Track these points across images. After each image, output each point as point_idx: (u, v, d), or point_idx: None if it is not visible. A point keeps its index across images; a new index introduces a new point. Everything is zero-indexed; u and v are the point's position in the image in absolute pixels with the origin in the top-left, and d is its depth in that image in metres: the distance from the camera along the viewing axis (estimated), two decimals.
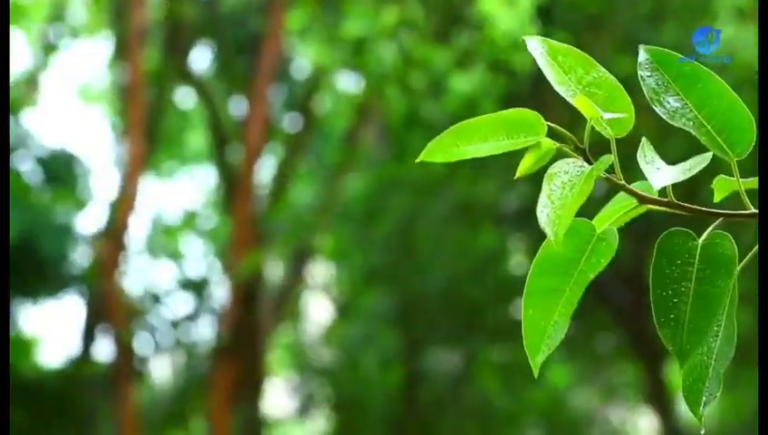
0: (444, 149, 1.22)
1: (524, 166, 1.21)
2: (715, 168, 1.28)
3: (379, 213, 9.55)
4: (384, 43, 6.58)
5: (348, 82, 10.40)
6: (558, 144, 1.22)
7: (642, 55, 1.26)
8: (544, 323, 1.21)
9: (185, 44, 11.69)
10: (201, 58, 12.57)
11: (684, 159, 1.26)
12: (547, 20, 6.59)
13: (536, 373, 1.21)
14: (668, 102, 1.25)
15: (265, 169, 11.91)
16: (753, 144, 1.25)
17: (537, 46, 1.25)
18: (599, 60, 1.25)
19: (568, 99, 1.20)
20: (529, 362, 1.22)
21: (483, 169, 8.01)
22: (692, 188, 1.24)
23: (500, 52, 6.34)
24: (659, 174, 1.23)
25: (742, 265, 1.24)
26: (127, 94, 11.07)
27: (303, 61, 11.88)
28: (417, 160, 1.23)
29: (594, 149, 1.22)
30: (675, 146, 3.90)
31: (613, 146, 1.23)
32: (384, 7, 6.72)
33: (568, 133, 1.22)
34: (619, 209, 1.27)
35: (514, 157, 1.23)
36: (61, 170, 11.02)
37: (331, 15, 7.08)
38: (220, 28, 11.66)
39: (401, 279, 9.86)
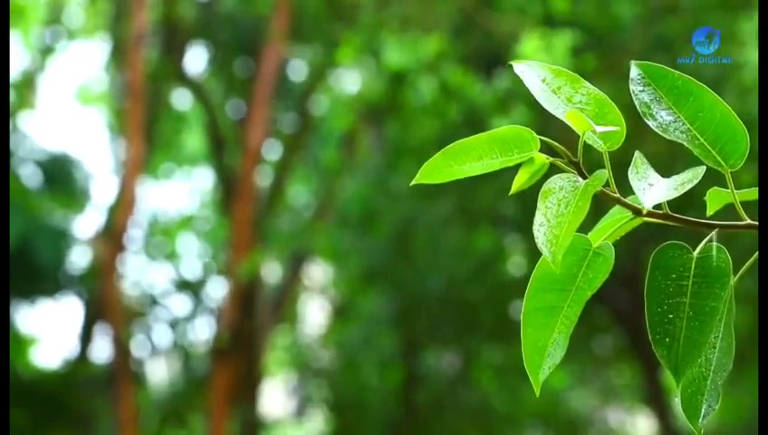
0: (438, 171, 1.21)
1: (519, 182, 1.20)
2: (707, 176, 1.27)
3: (377, 215, 9.52)
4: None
5: (345, 84, 10.39)
6: (551, 159, 1.21)
7: (634, 71, 1.26)
8: (544, 341, 1.21)
9: (182, 46, 11.66)
10: (198, 59, 12.55)
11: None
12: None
13: (538, 392, 1.20)
14: (661, 116, 1.24)
15: (263, 171, 11.89)
16: (746, 155, 1.24)
17: (524, 70, 1.25)
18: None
19: (559, 116, 1.20)
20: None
21: None
22: (687, 195, 1.22)
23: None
24: (651, 191, 1.21)
25: (737, 277, 1.23)
26: (126, 97, 11.03)
27: (300, 62, 11.88)
28: (412, 184, 1.22)
29: (591, 166, 1.22)
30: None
31: (606, 160, 1.22)
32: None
33: (561, 147, 1.21)
34: (615, 223, 1.25)
35: None
36: (59, 173, 11.01)
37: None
38: (217, 29, 11.63)
39: (399, 280, 9.83)
